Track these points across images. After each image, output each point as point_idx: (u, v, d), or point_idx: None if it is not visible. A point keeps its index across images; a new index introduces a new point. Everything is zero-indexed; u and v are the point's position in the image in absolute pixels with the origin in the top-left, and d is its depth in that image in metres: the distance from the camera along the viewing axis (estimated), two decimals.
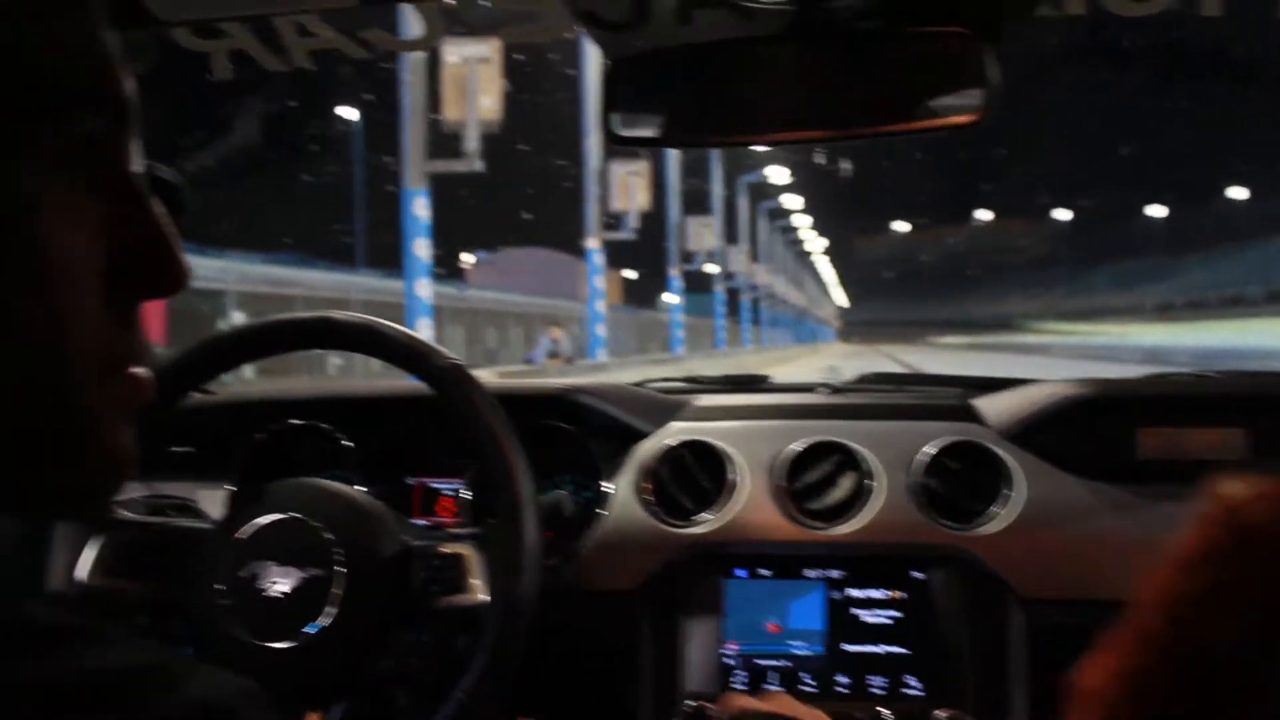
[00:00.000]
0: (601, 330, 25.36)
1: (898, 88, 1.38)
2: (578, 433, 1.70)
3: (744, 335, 54.52)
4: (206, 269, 23.23)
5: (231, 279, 23.80)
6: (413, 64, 13.65)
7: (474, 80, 14.40)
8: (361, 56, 1.46)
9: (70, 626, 0.52)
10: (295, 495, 1.36)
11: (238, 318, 23.02)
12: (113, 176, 0.55)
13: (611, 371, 19.68)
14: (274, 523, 1.33)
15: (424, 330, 13.81)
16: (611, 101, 1.36)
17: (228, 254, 25.62)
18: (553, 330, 21.55)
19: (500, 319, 39.44)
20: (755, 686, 1.55)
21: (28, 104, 0.50)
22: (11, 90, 0.49)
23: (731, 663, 1.57)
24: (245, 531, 1.32)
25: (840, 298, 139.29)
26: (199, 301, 22.49)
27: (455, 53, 14.16)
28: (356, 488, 1.63)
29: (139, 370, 0.59)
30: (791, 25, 1.37)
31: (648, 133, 1.41)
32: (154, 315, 4.00)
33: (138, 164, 0.58)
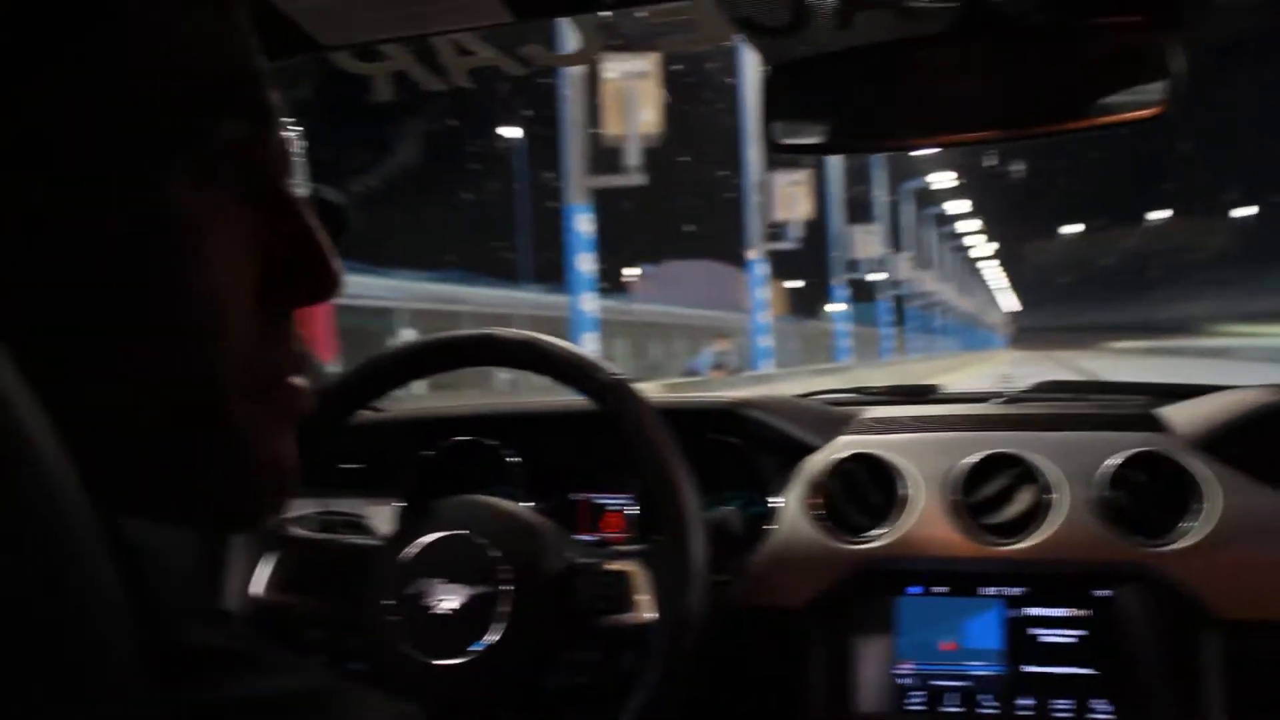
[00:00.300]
0: (766, 341, 25.26)
1: (1071, 84, 1.32)
2: (745, 447, 1.67)
3: (911, 343, 53.75)
4: (375, 288, 23.89)
5: (399, 297, 24.42)
6: (573, 80, 13.82)
7: (633, 95, 14.51)
8: (520, 74, 1.46)
9: (229, 651, 0.52)
10: (461, 512, 1.37)
11: (406, 334, 23.62)
12: (261, 184, 0.54)
13: (777, 382, 19.57)
14: (441, 540, 1.33)
15: (589, 344, 13.97)
16: (772, 109, 1.34)
17: (395, 273, 26.30)
18: (717, 342, 21.53)
19: (664, 331, 39.66)
20: (932, 708, 1.50)
21: (172, 113, 0.49)
22: (155, 99, 0.49)
23: (907, 683, 1.52)
24: (412, 548, 1.33)
25: (1010, 303, 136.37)
26: (368, 320, 23.13)
27: (614, 68, 14.29)
28: (523, 504, 1.64)
29: (297, 381, 0.58)
30: (956, 23, 1.33)
31: (809, 140, 1.38)
32: (324, 334, 4.11)
33: (288, 170, 0.57)
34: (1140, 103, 1.26)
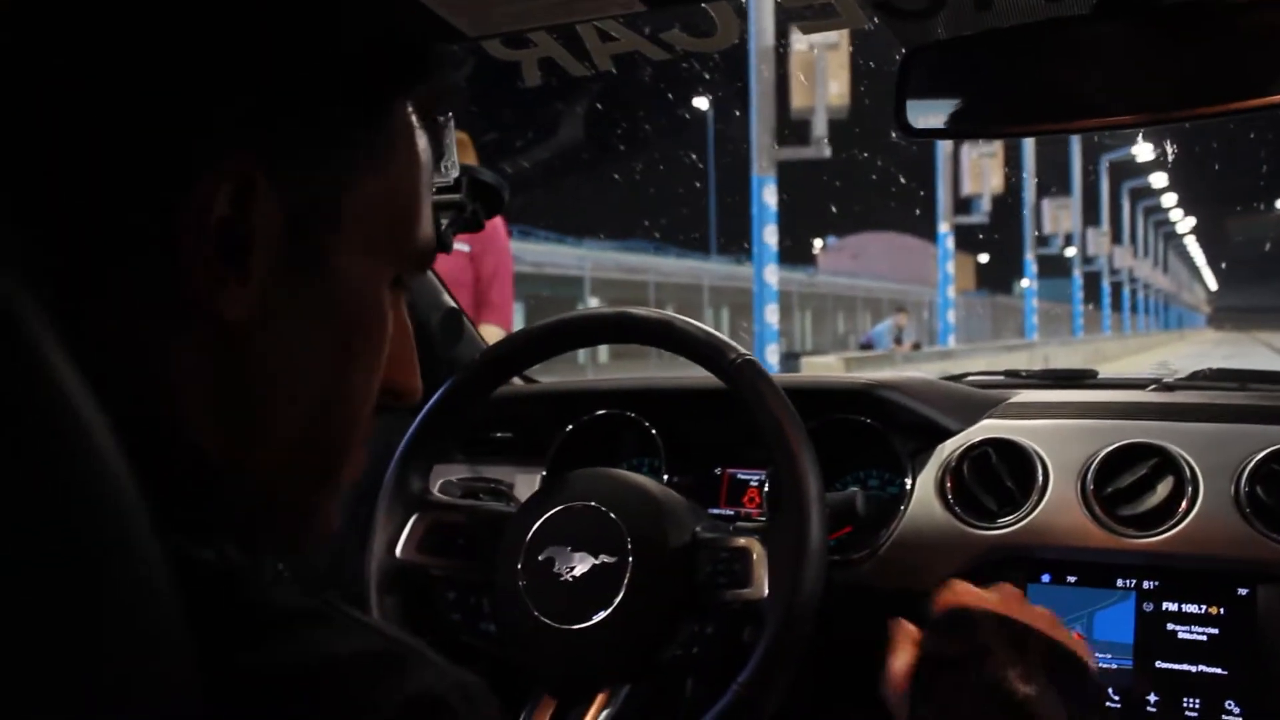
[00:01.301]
0: (952, 316, 24.82)
1: (1220, 64, 1.28)
2: (881, 428, 1.68)
3: (1104, 321, 52.06)
4: (565, 257, 24.29)
5: (587, 266, 24.74)
6: (764, 53, 13.76)
7: (822, 67, 14.38)
8: (662, 59, 1.49)
9: (305, 610, 0.56)
10: (592, 484, 1.41)
11: (594, 303, 23.94)
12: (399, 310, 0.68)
13: (959, 358, 19.23)
14: (570, 509, 1.38)
15: (772, 316, 13.95)
16: (907, 93, 1.33)
17: (586, 242, 26.64)
18: (899, 316, 21.26)
19: (849, 304, 39.29)
20: None
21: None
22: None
23: None
24: (544, 516, 1.39)
25: (1211, 281, 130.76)
26: (559, 288, 23.52)
27: (804, 40, 14.17)
28: (664, 477, 1.69)
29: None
30: (1100, 4, 1.31)
31: (944, 124, 1.37)
32: (505, 302, 4.22)
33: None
34: None
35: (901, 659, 1.10)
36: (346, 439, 0.65)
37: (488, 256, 4.06)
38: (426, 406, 1.53)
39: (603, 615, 1.31)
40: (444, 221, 1.65)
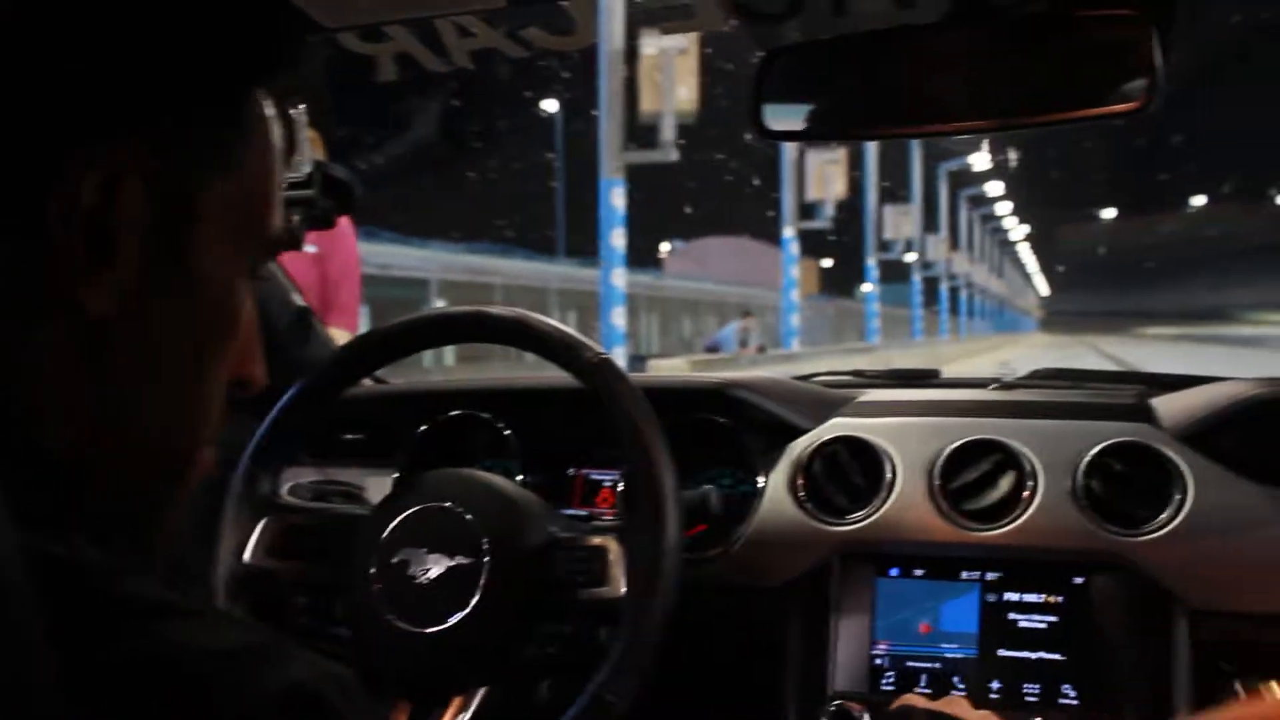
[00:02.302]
0: (796, 320, 25.21)
1: (1062, 75, 1.32)
2: (733, 427, 1.69)
3: (942, 325, 53.49)
4: (411, 258, 24.00)
5: (433, 268, 24.51)
6: (612, 56, 13.80)
7: (670, 71, 14.47)
8: (519, 55, 1.48)
9: (170, 604, 0.55)
10: (447, 484, 1.40)
11: (439, 305, 23.70)
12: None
13: (803, 361, 19.55)
14: (424, 510, 1.36)
15: (617, 319, 13.99)
16: (763, 94, 1.34)
17: (431, 244, 26.37)
18: (745, 320, 21.52)
19: (695, 308, 39.65)
20: (905, 688, 1.52)
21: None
22: None
23: (882, 663, 1.54)
24: (398, 518, 1.37)
25: (1042, 286, 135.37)
26: (404, 290, 23.23)
27: (653, 45, 14.25)
28: (518, 477, 1.67)
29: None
30: (951, 12, 1.34)
31: (800, 126, 1.39)
32: (350, 304, 4.15)
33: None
34: (1127, 94, 1.27)
35: None
36: (200, 434, 0.64)
37: (335, 257, 3.98)
38: (275, 408, 1.49)
39: (458, 617, 1.29)
40: (295, 218, 1.61)
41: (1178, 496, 1.49)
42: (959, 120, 1.37)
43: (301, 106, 1.52)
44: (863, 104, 1.38)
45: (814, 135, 1.41)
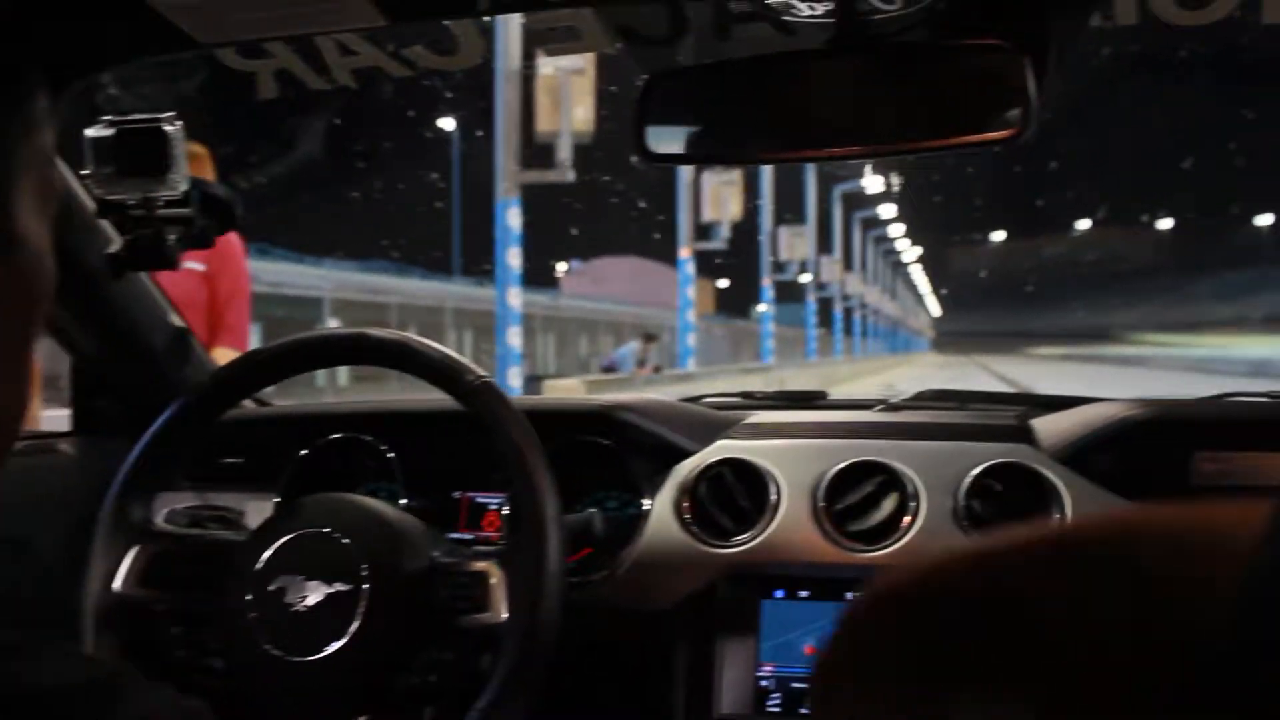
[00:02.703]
0: (692, 340, 25.33)
1: (938, 102, 1.34)
2: (619, 450, 1.69)
3: (836, 345, 54.14)
4: (304, 277, 23.68)
5: (327, 287, 24.21)
6: (509, 75, 13.76)
7: (567, 91, 14.48)
8: (404, 75, 1.47)
9: (11, 644, 0.52)
10: (326, 510, 1.37)
11: (333, 325, 23.41)
12: None
13: (699, 380, 19.65)
14: (303, 536, 1.34)
15: (513, 339, 13.95)
16: (647, 118, 1.35)
17: (326, 262, 26.07)
18: (647, 342, 21.61)
19: (592, 328, 39.66)
20: (790, 710, 1.52)
21: None
22: None
23: (768, 685, 1.55)
24: (275, 545, 1.34)
25: (934, 308, 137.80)
26: (297, 310, 22.91)
27: (550, 64, 14.24)
28: (401, 502, 1.65)
29: None
30: (832, 40, 1.35)
31: (683, 150, 1.39)
32: (241, 324, 4.07)
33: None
34: (1003, 123, 1.29)
35: None
36: (27, 395, 0.61)
37: (224, 276, 3.90)
38: (150, 431, 1.46)
39: (337, 645, 1.26)
40: (171, 237, 1.57)
41: (1055, 516, 1.52)
42: (839, 146, 1.38)
43: (179, 124, 1.49)
44: (745, 128, 1.39)
45: (697, 159, 1.42)
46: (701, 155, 1.42)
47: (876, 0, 1.28)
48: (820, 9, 1.31)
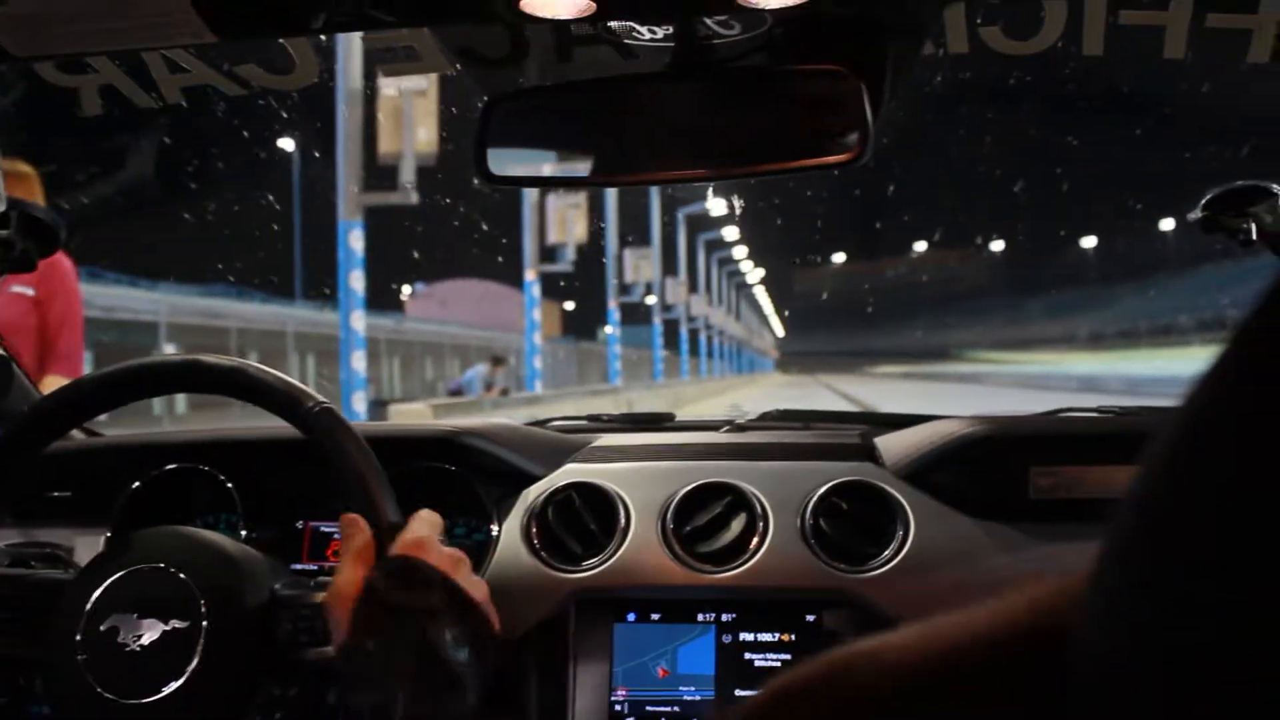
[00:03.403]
0: (539, 362, 25.30)
1: (778, 126, 1.36)
2: (464, 476, 1.67)
3: (683, 366, 54.61)
4: (139, 301, 22.99)
5: (164, 311, 23.55)
6: (350, 95, 13.59)
7: (410, 113, 14.36)
8: (235, 94, 1.42)
9: None
10: (160, 543, 1.31)
11: (169, 350, 22.76)
12: None
13: (547, 403, 19.62)
14: (136, 572, 1.28)
15: (357, 362, 13.75)
16: (487, 140, 1.33)
17: (161, 286, 25.36)
18: (496, 366, 21.56)
19: (437, 350, 39.31)
20: None
21: None
22: None
23: (621, 709, 1.54)
24: (106, 582, 1.28)
25: (779, 328, 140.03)
26: (131, 334, 22.22)
27: (392, 85, 14.11)
28: (241, 533, 1.60)
29: None
30: (672, 64, 1.36)
31: (525, 172, 1.39)
32: (75, 350, 3.92)
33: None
34: (840, 146, 1.31)
35: (351, 576, 1.15)
36: None
37: (55, 301, 3.76)
38: None
39: (175, 685, 1.21)
40: None
41: (900, 532, 1.55)
42: (680, 169, 1.39)
43: None
44: (587, 151, 1.39)
45: (538, 182, 1.41)
46: (543, 178, 1.41)
47: (716, 25, 1.29)
48: (661, 33, 1.32)
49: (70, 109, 1.50)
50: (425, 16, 1.27)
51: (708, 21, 1.28)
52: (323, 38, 1.25)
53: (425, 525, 1.23)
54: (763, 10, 1.24)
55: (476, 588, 1.19)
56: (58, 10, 1.13)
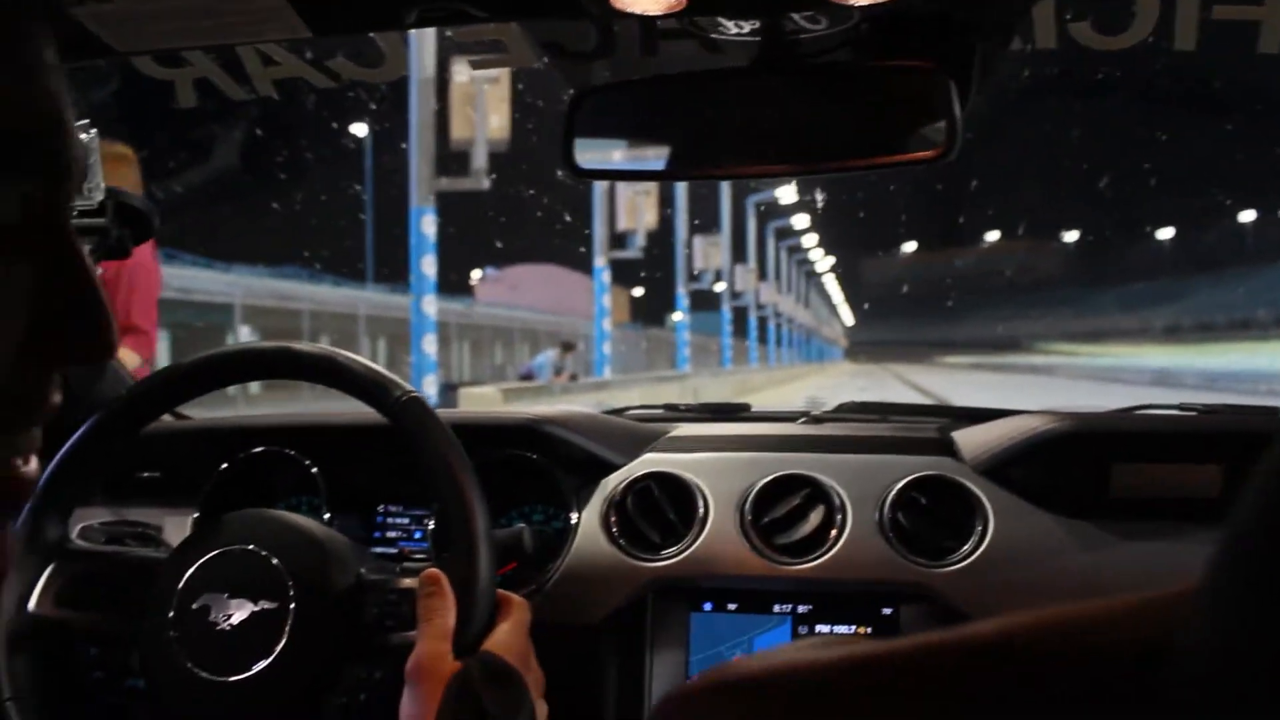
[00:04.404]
0: (608, 348, 25.38)
1: (864, 122, 1.36)
2: (545, 464, 1.69)
3: (751, 353, 54.50)
4: (214, 283, 23.32)
5: (239, 293, 23.88)
6: (424, 83, 13.70)
7: (482, 99, 14.44)
8: (327, 86, 1.45)
9: None
10: (250, 526, 1.35)
11: (244, 332, 23.08)
12: (46, 238, 0.54)
13: (615, 389, 19.68)
14: (227, 553, 1.31)
15: (430, 346, 13.86)
16: (574, 134, 1.35)
17: (237, 268, 25.71)
18: (566, 352, 21.66)
19: (507, 335, 39.54)
20: None
21: None
22: None
23: None
24: (198, 562, 1.31)
25: (848, 317, 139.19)
26: (206, 315, 22.56)
27: (464, 72, 14.20)
28: (323, 517, 1.63)
29: (26, 469, 0.57)
30: (758, 58, 1.36)
31: (610, 166, 1.40)
32: (149, 323, 4.00)
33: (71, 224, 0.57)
34: (927, 143, 1.31)
35: (435, 649, 1.17)
36: None
37: (132, 275, 3.84)
38: (64, 448, 1.42)
39: (263, 665, 1.24)
40: (87, 247, 1.54)
41: (979, 528, 1.54)
42: (764, 164, 1.39)
43: (93, 132, 1.46)
44: (671, 145, 1.40)
45: (623, 176, 1.42)
46: (628, 172, 1.42)
47: (802, 20, 1.29)
48: (747, 28, 1.32)
49: (161, 101, 1.54)
50: (516, 11, 1.28)
51: (794, 16, 1.29)
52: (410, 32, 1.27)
53: (522, 628, 1.26)
54: (851, 6, 1.24)
55: (543, 713, 1.22)
56: (159, 7, 1.15)
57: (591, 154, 1.36)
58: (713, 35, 1.36)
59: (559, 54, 1.42)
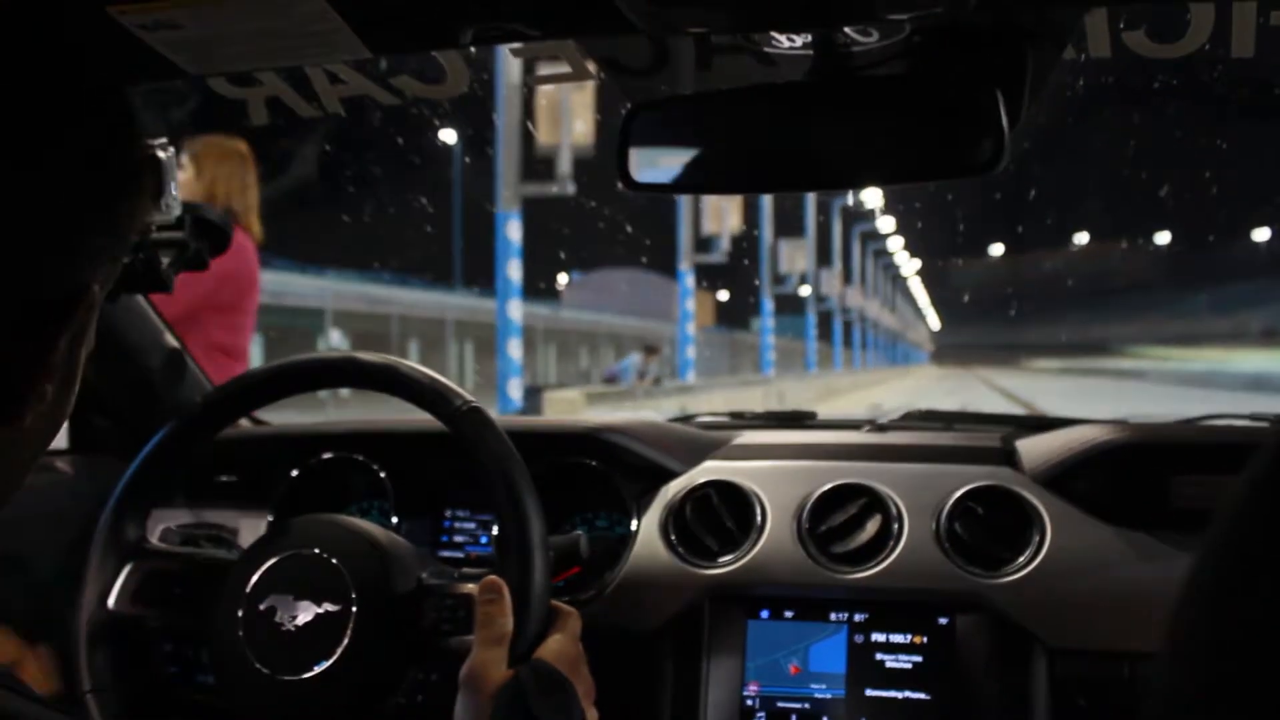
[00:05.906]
0: (691, 352, 25.37)
1: (917, 134, 1.37)
2: (606, 471, 1.71)
3: (835, 358, 54.17)
4: (304, 287, 23.66)
5: (329, 298, 24.19)
6: (509, 90, 13.82)
7: (567, 106, 14.53)
8: (392, 103, 1.50)
9: None
10: (317, 530, 1.39)
11: (335, 335, 23.41)
12: None
13: (698, 393, 19.67)
14: (294, 557, 1.36)
15: (515, 350, 13.97)
16: (630, 147, 1.37)
17: (327, 273, 26.04)
18: (650, 355, 21.72)
19: (592, 339, 39.67)
20: None
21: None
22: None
23: (753, 704, 1.57)
24: (266, 564, 1.36)
25: (934, 321, 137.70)
26: (299, 319, 22.90)
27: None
28: (388, 521, 1.67)
29: None
30: (811, 72, 1.38)
31: (666, 179, 1.42)
32: (244, 333, 4.08)
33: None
34: (979, 154, 1.31)
35: (490, 657, 1.22)
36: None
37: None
38: (145, 450, 1.48)
39: (325, 665, 1.29)
40: (165, 260, 1.60)
41: (1036, 538, 1.54)
42: (819, 176, 1.41)
43: (171, 150, 1.51)
44: (727, 158, 1.41)
45: (680, 188, 1.44)
46: (683, 185, 1.44)
47: (854, 33, 1.31)
48: (800, 41, 1.34)
49: (241, 116, 1.59)
50: (570, 30, 1.31)
51: (846, 30, 1.30)
52: (471, 49, 1.30)
53: (573, 636, 1.29)
54: (902, 18, 1.25)
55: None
56: (225, 32, 1.19)
57: (648, 166, 1.38)
58: (767, 49, 1.38)
59: (615, 69, 1.44)
